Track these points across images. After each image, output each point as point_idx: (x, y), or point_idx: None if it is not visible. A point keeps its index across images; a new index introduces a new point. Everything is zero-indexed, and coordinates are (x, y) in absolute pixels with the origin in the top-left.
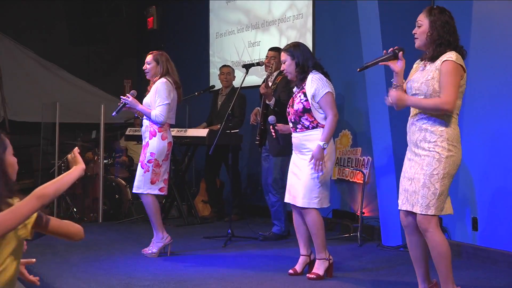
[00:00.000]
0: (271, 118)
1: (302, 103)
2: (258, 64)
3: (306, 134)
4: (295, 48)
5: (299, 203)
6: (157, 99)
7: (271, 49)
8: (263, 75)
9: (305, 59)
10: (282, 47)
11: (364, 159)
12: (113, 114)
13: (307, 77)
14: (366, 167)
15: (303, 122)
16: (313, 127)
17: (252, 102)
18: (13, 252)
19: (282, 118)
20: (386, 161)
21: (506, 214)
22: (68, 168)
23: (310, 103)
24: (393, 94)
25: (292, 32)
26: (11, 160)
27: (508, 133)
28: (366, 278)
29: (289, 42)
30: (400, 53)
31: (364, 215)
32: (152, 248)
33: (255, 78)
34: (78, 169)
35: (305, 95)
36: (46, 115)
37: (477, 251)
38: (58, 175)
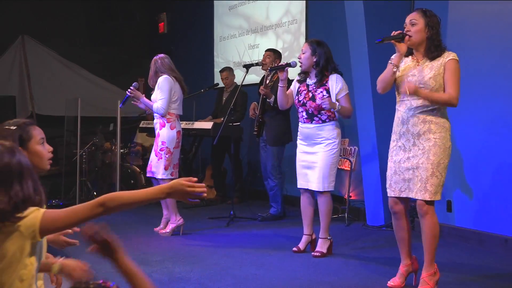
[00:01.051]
0: (293, 62)
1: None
2: (257, 64)
3: (321, 125)
4: (319, 46)
5: (318, 188)
6: (159, 94)
7: (267, 50)
8: (261, 74)
9: (326, 61)
10: (278, 49)
11: (351, 148)
12: (120, 105)
13: (327, 77)
14: (352, 156)
15: (321, 116)
16: (329, 120)
17: (252, 98)
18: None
19: (280, 113)
20: (371, 151)
21: (476, 197)
22: (89, 156)
23: (332, 99)
24: (411, 85)
25: (288, 36)
26: (37, 149)
27: (478, 124)
28: (353, 254)
29: (284, 45)
30: (406, 37)
31: (351, 198)
32: (166, 228)
33: (254, 76)
34: (170, 186)
35: (327, 92)
36: (69, 109)
37: (451, 230)
38: (80, 163)
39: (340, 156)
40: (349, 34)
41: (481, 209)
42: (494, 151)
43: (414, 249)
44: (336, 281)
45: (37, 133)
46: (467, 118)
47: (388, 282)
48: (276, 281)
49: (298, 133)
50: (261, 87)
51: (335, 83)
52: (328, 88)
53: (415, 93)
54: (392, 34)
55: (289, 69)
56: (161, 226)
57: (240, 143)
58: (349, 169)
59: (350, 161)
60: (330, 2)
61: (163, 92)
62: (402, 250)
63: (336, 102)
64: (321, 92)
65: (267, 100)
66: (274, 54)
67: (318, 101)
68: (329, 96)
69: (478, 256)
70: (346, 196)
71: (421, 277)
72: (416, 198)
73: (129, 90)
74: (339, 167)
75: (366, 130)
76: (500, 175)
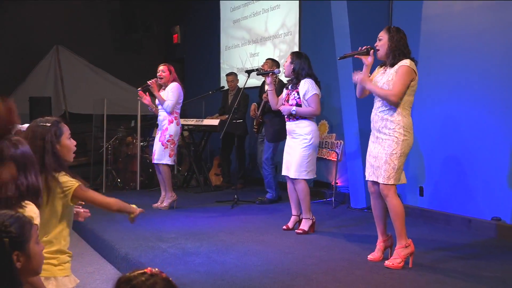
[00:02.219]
0: (277, 70)
1: (295, 99)
2: (256, 70)
3: (296, 123)
4: (296, 57)
5: (292, 175)
6: (170, 96)
7: (267, 59)
8: (260, 79)
9: (300, 68)
10: (274, 57)
11: (337, 142)
12: (138, 89)
13: (300, 81)
14: (339, 148)
15: (294, 115)
16: (302, 118)
17: (253, 99)
18: (62, 217)
19: (277, 115)
20: (354, 144)
21: (444, 184)
22: (113, 148)
23: (301, 100)
24: (360, 76)
25: (283, 45)
26: (67, 143)
27: (445, 119)
28: (339, 232)
29: (280, 53)
30: (371, 51)
31: (337, 184)
32: (164, 203)
33: (255, 81)
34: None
35: (298, 94)
36: (96, 108)
37: (423, 212)
38: (106, 154)
39: (328, 148)
40: (334, 31)
41: (448, 194)
42: (459, 143)
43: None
44: (324, 255)
45: (66, 129)
46: (435, 114)
47: (368, 256)
48: (273, 255)
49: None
50: (264, 95)
51: (303, 85)
52: (299, 90)
53: (362, 82)
54: (359, 50)
55: (276, 74)
56: (158, 203)
57: (242, 138)
58: (335, 159)
59: (336, 153)
60: (320, 17)
61: (173, 96)
62: (379, 226)
63: (292, 107)
64: (294, 94)
65: (268, 104)
66: (272, 62)
67: (290, 102)
68: (299, 97)
69: (445, 234)
70: (333, 182)
71: (395, 249)
72: (378, 181)
73: (150, 81)
74: (328, 158)
75: (350, 127)
76: (464, 165)
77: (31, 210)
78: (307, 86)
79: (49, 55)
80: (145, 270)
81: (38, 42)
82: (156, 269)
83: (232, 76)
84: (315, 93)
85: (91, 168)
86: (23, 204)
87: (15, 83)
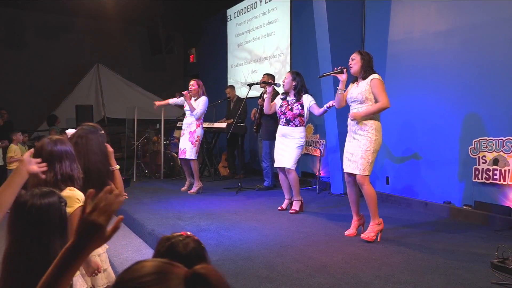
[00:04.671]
0: (278, 84)
1: (299, 110)
2: (256, 83)
3: (294, 128)
4: (297, 75)
5: (288, 166)
6: (200, 106)
7: (264, 74)
8: (259, 90)
9: (301, 85)
10: (271, 73)
11: (320, 141)
12: (176, 98)
13: (302, 96)
14: (322, 146)
15: (295, 122)
16: (300, 125)
17: (252, 106)
18: None
19: (272, 118)
20: (334, 143)
21: (406, 174)
22: (142, 145)
23: (304, 111)
24: (352, 114)
25: (277, 64)
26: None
27: (408, 122)
28: (322, 212)
29: (275, 70)
30: (345, 70)
31: (321, 175)
32: (193, 189)
33: (255, 92)
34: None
35: (301, 106)
36: (129, 114)
37: (388, 197)
38: (136, 150)
39: (313, 146)
40: (319, 63)
41: (409, 182)
42: (417, 141)
43: (364, 210)
44: (310, 231)
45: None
46: (400, 119)
47: (345, 232)
48: (269, 231)
49: (277, 131)
50: (259, 100)
51: (306, 99)
52: (302, 103)
53: (356, 117)
54: (334, 70)
55: (276, 87)
56: (185, 187)
57: (245, 137)
58: (319, 155)
59: (320, 149)
60: (307, 41)
61: (203, 107)
62: (353, 209)
63: (325, 109)
64: (297, 106)
65: (263, 108)
66: (268, 76)
67: (294, 111)
68: (302, 109)
69: (407, 214)
70: (317, 173)
71: (369, 225)
72: (354, 173)
73: (184, 91)
74: (313, 154)
75: (331, 128)
76: (422, 159)
77: (74, 194)
78: (309, 99)
79: (92, 71)
80: (181, 233)
81: (83, 61)
82: (189, 233)
83: (229, 88)
84: (315, 102)
85: (124, 162)
86: (62, 187)
87: (65, 94)
